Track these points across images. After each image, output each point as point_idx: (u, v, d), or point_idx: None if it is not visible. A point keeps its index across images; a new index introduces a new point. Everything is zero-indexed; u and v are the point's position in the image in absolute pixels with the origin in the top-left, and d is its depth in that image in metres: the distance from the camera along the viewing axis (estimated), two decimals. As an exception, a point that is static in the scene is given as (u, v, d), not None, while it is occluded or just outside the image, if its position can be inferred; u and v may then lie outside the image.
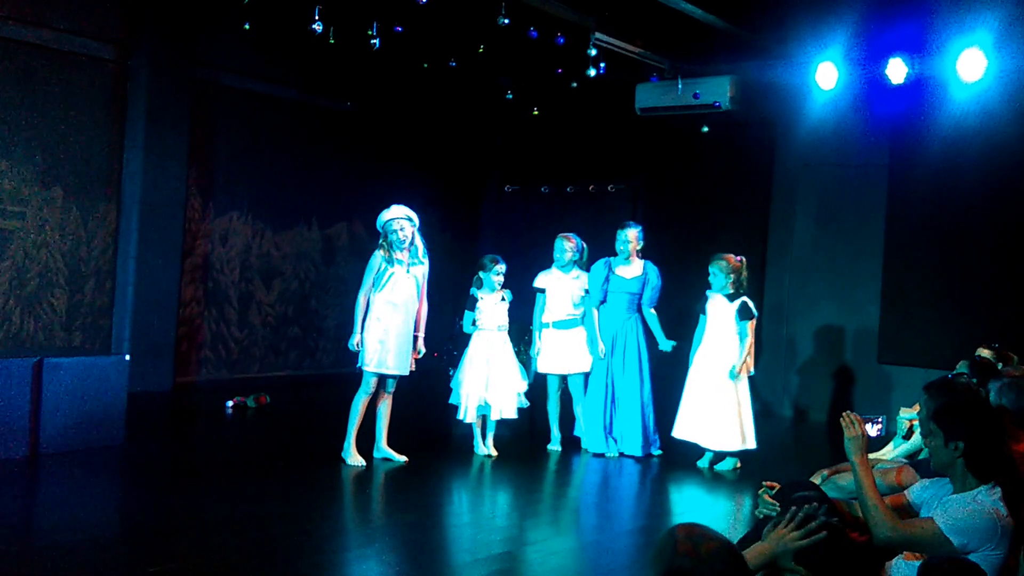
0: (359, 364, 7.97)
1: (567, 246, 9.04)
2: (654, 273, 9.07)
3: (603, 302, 9.03)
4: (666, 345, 8.97)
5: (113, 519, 6.64)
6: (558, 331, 9.04)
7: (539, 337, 9.12)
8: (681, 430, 8.71)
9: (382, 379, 8.03)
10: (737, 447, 8.53)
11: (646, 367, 9.02)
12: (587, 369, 9.05)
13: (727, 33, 10.49)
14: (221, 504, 6.76)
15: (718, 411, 8.48)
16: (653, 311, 9.10)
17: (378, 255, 7.95)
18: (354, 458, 7.96)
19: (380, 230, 8.04)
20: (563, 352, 9.05)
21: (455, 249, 14.67)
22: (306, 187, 12.71)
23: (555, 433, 9.17)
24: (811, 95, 10.75)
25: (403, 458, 8.21)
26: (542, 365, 9.13)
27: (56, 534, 5.92)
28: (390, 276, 7.96)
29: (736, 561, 2.66)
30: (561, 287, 9.05)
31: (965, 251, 10.66)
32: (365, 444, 8.12)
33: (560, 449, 9.09)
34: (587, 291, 9.04)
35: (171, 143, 10.89)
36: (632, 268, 9.03)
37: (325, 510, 6.94)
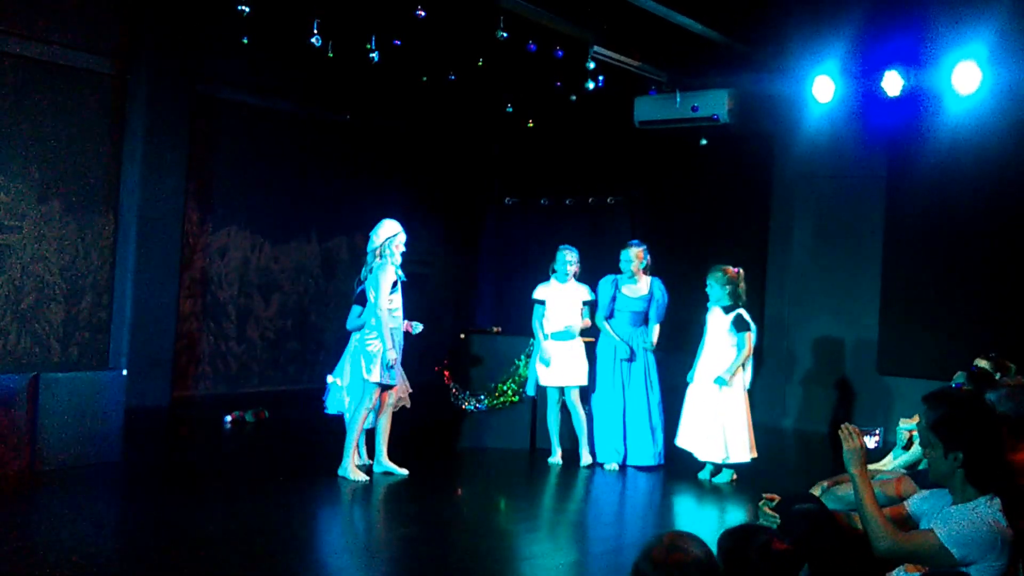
0: (378, 377, 7.86)
1: (570, 258, 9.06)
2: (660, 291, 9.09)
3: (609, 317, 9.07)
4: (647, 343, 9.05)
5: (111, 535, 6.60)
6: (556, 343, 9.04)
7: (540, 348, 9.11)
8: (682, 440, 8.77)
9: (384, 390, 8.02)
10: (731, 459, 8.54)
11: (654, 379, 9.07)
12: (584, 382, 9.05)
13: (725, 47, 10.52)
14: (220, 519, 6.75)
15: (713, 423, 8.52)
16: (657, 327, 9.13)
17: (391, 268, 7.91)
18: (355, 473, 7.94)
19: (382, 244, 7.96)
20: (561, 364, 9.05)
21: (455, 262, 14.69)
22: (305, 200, 12.71)
23: (555, 446, 9.17)
24: (808, 108, 10.75)
25: (404, 471, 8.20)
26: (542, 378, 9.12)
27: (53, 550, 5.89)
28: (399, 289, 7.98)
29: None
30: (560, 299, 9.06)
31: (963, 262, 10.68)
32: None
33: (561, 463, 9.07)
34: (586, 303, 9.06)
35: (169, 157, 10.89)
36: (638, 287, 9.06)
37: (325, 525, 6.92)
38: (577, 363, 9.03)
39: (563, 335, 9.03)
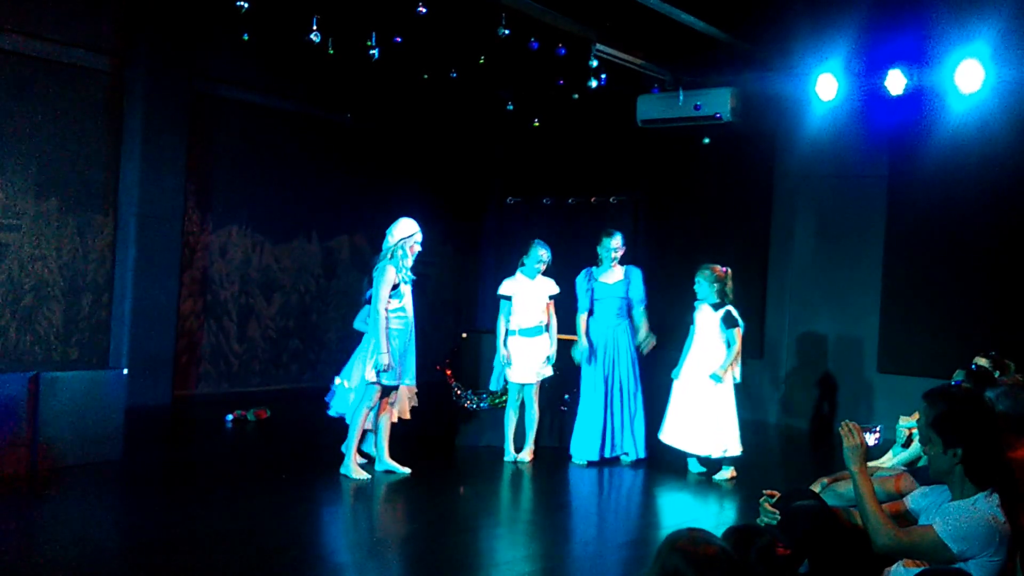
0: (370, 380, 7.83)
1: (543, 255, 9.01)
2: (636, 274, 9.14)
3: (590, 312, 9.06)
4: (643, 336, 9.05)
5: (112, 534, 6.58)
6: (524, 339, 8.97)
7: (504, 345, 9.00)
8: (668, 435, 8.78)
9: (386, 391, 8.01)
10: (729, 452, 8.59)
11: (637, 371, 9.10)
12: (550, 373, 9.03)
13: (728, 45, 10.51)
14: (221, 519, 6.73)
15: (703, 417, 8.57)
16: (643, 310, 9.13)
17: (391, 269, 7.86)
18: (357, 472, 7.92)
19: (396, 244, 7.91)
20: (530, 360, 8.97)
21: (457, 261, 14.68)
22: (306, 199, 12.70)
23: (509, 443, 9.07)
24: (811, 106, 10.75)
25: (406, 470, 8.19)
26: (511, 375, 9.02)
27: (54, 550, 5.87)
28: (404, 290, 7.94)
29: (733, 572, 2.64)
30: (528, 294, 9.01)
31: (964, 261, 10.69)
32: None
33: (516, 458, 8.99)
34: (552, 296, 9.03)
35: (168, 155, 10.88)
36: (615, 274, 9.10)
37: (327, 524, 6.91)
38: (542, 360, 8.99)
39: (532, 331, 8.99)
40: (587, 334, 9.07)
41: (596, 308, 9.11)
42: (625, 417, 9.05)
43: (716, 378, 8.51)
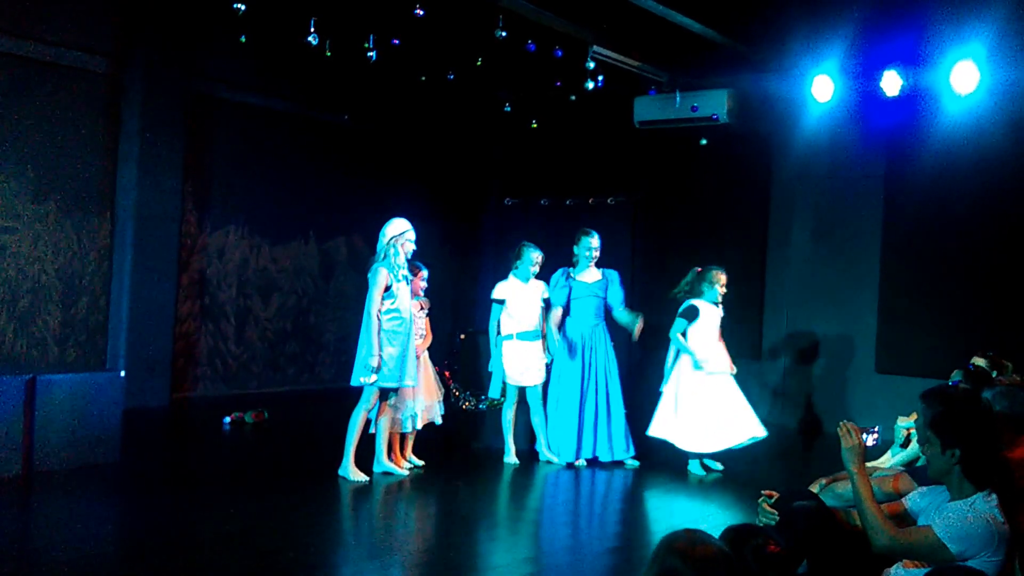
0: (367, 381, 7.82)
1: (536, 258, 9.00)
2: (615, 276, 9.13)
3: (567, 313, 9.04)
4: (629, 319, 9.02)
5: (109, 537, 6.58)
6: (524, 343, 8.96)
7: (497, 347, 9.02)
8: (679, 440, 8.77)
9: (384, 392, 8.01)
10: (747, 440, 8.69)
11: (616, 374, 9.06)
12: (542, 380, 9.03)
13: (724, 46, 10.51)
14: (219, 521, 6.72)
15: (716, 413, 8.65)
16: (624, 310, 9.11)
17: (383, 271, 7.86)
18: (355, 473, 7.92)
19: (387, 244, 7.92)
20: (530, 364, 8.96)
21: (455, 262, 14.67)
22: (303, 201, 12.69)
23: (511, 446, 9.04)
24: (807, 107, 10.78)
25: (404, 471, 8.22)
26: (520, 378, 9.02)
27: (52, 552, 5.87)
28: (398, 291, 7.93)
29: (731, 572, 2.65)
30: (525, 297, 9.00)
31: (961, 260, 10.71)
32: (365, 458, 8.10)
33: (518, 462, 8.97)
34: (545, 300, 9.04)
35: (166, 157, 10.87)
36: (592, 274, 9.07)
37: (325, 525, 6.90)
38: (541, 362, 8.99)
39: (530, 335, 8.97)
40: (562, 331, 9.03)
41: (574, 307, 9.06)
42: (602, 420, 8.97)
43: (696, 365, 8.65)
